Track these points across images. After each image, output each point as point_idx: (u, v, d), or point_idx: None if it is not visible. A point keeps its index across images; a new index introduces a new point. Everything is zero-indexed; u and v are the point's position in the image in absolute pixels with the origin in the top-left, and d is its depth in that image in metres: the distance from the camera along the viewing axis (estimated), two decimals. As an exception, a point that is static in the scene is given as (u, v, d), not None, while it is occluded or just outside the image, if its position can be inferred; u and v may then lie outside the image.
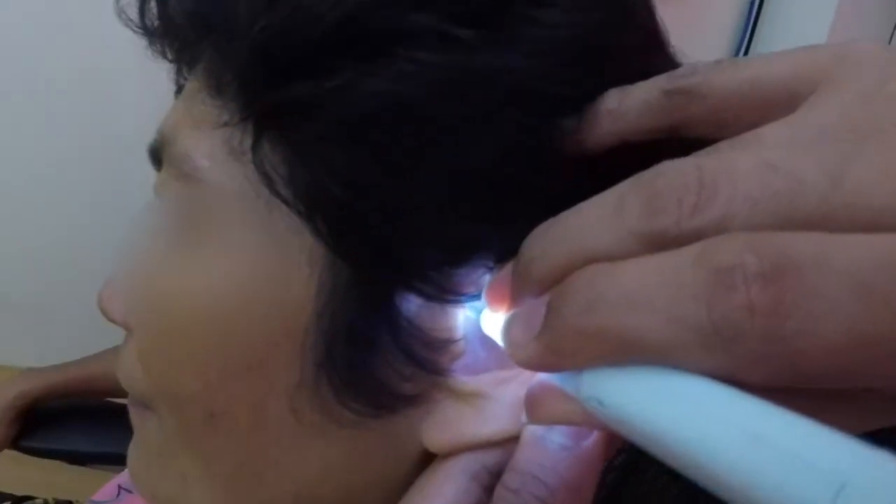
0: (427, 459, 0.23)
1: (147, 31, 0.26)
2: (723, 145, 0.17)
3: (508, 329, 0.18)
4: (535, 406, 0.18)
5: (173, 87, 0.28)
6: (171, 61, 0.27)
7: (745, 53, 1.34)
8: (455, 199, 0.21)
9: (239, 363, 0.23)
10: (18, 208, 1.21)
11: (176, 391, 0.24)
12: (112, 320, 0.28)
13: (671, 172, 0.15)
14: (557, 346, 0.16)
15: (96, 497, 0.54)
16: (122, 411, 0.90)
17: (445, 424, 0.22)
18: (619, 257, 0.15)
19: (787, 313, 0.12)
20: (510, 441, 0.21)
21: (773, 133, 0.16)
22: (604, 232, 0.16)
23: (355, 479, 0.24)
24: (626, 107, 0.20)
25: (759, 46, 1.34)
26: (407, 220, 0.21)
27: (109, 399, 0.89)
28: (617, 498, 0.27)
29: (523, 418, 0.20)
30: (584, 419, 0.17)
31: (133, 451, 0.28)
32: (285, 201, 0.22)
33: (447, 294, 0.21)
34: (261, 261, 0.22)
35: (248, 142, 0.22)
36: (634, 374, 0.15)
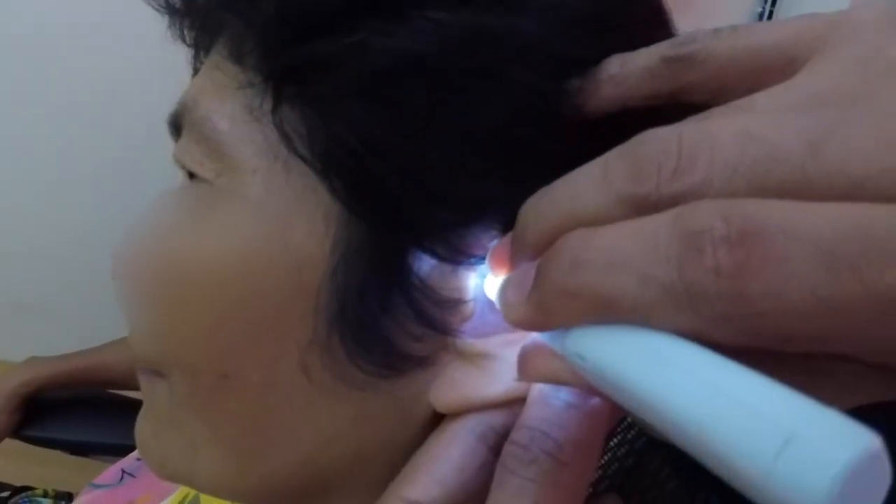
0: (435, 422, 0.23)
1: (170, 10, 0.26)
2: (714, 111, 0.17)
3: (503, 291, 0.19)
4: (526, 364, 0.19)
5: (181, 89, 0.28)
6: (189, 45, 0.27)
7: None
8: (465, 159, 0.21)
9: (254, 322, 0.23)
10: (28, 210, 1.22)
11: (188, 354, 0.24)
12: (121, 282, 0.28)
13: (654, 140, 0.15)
14: (544, 305, 0.17)
15: (98, 480, 0.54)
16: (124, 402, 0.90)
17: (453, 385, 0.23)
18: (604, 221, 0.16)
19: (751, 276, 0.13)
20: (517, 403, 0.21)
21: (764, 99, 0.17)
22: (591, 197, 0.16)
23: (364, 442, 0.24)
24: (627, 72, 0.21)
25: (780, 16, 1.34)
26: (419, 179, 0.21)
27: (112, 390, 0.89)
28: (619, 489, 0.27)
29: (515, 375, 0.20)
30: (571, 377, 0.17)
31: (142, 421, 0.29)
32: (304, 159, 0.22)
33: (458, 255, 0.22)
34: (278, 219, 0.23)
35: (268, 104, 0.23)
36: (612, 332, 0.15)
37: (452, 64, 0.21)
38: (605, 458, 0.27)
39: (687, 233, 0.14)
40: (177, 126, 0.26)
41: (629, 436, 0.28)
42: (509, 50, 0.21)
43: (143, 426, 0.28)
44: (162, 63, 0.28)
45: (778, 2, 1.35)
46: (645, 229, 0.15)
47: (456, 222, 0.22)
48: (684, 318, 0.14)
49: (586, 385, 0.17)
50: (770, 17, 1.35)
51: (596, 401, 0.20)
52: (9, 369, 0.86)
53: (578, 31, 0.22)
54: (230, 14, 0.24)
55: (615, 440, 0.28)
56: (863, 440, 0.12)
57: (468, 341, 0.23)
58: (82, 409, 0.88)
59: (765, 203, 0.13)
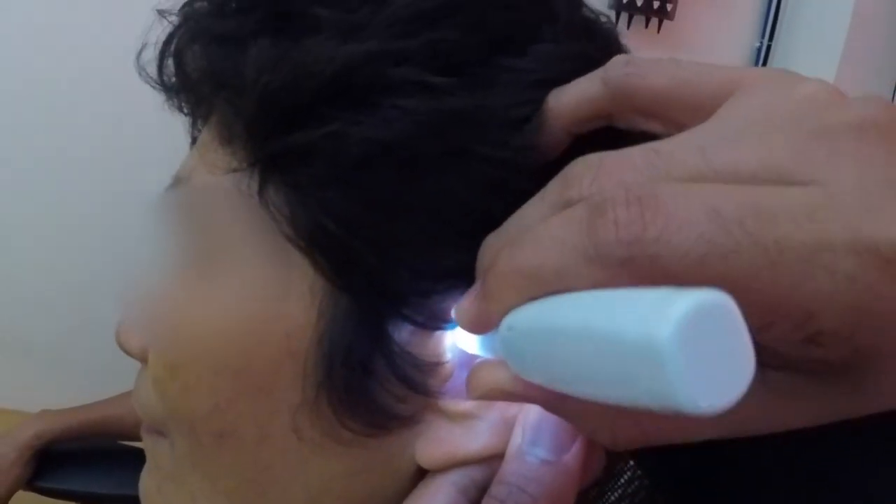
0: (420, 476, 0.25)
1: (165, 88, 0.28)
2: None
3: (458, 308, 0.21)
4: (472, 380, 0.21)
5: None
6: (186, 115, 0.29)
7: (766, 56, 1.37)
8: (438, 233, 0.23)
9: (247, 385, 0.25)
10: (40, 258, 1.23)
11: (188, 413, 0.26)
12: (128, 353, 0.30)
13: (582, 160, 0.18)
14: (486, 293, 0.19)
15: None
16: (136, 453, 0.90)
17: (437, 442, 0.24)
18: None
19: (645, 225, 0.15)
20: (496, 458, 0.23)
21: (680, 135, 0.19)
22: (530, 214, 0.19)
23: (354, 495, 0.26)
24: (565, 100, 0.23)
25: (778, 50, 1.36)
26: (395, 253, 0.23)
27: (123, 441, 0.89)
28: None
29: (494, 433, 0.23)
30: (511, 384, 0.19)
31: (145, 477, 0.30)
32: (288, 238, 0.24)
33: (435, 321, 0.24)
34: (267, 291, 0.25)
35: (255, 185, 0.25)
36: (538, 301, 0.17)
37: (420, 147, 0.22)
38: None
39: (594, 203, 0.16)
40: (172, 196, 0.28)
41: (630, 490, 0.29)
42: (472, 129, 0.23)
43: (146, 481, 0.30)
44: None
45: (776, 37, 1.38)
46: (566, 213, 0.17)
47: (431, 291, 0.23)
48: (594, 271, 0.16)
49: (523, 390, 0.19)
50: (768, 51, 1.37)
51: (569, 456, 0.22)
52: (21, 419, 0.86)
53: (537, 94, 0.23)
54: (220, 99, 0.26)
55: (617, 494, 0.29)
56: (710, 294, 0.13)
57: (449, 401, 0.24)
58: (94, 461, 0.88)
59: (662, 182, 0.16)
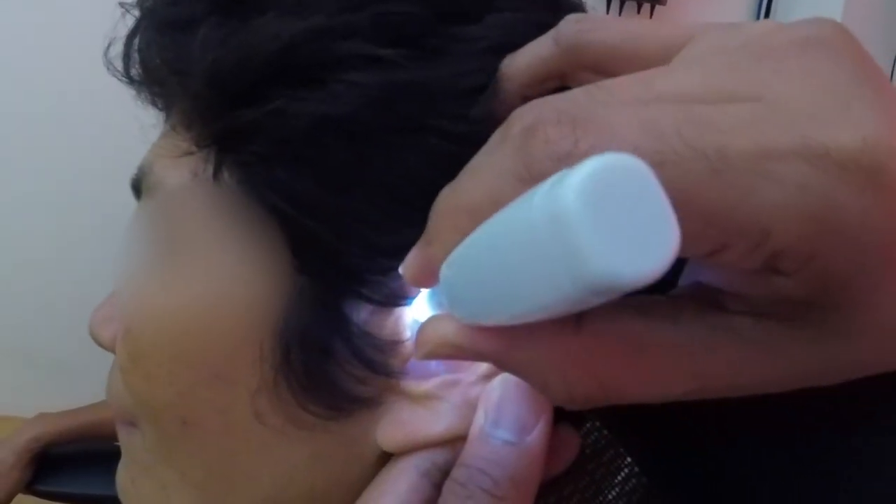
0: (385, 460, 0.25)
1: (132, 81, 0.28)
2: None
3: (405, 261, 0.20)
4: (418, 339, 0.20)
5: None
6: (160, 109, 0.29)
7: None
8: (391, 207, 0.23)
9: (206, 371, 0.25)
10: (38, 263, 1.23)
11: (152, 402, 0.26)
12: (100, 344, 0.30)
13: (525, 105, 0.17)
14: (428, 237, 0.19)
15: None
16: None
17: (398, 425, 0.24)
18: None
19: (577, 139, 0.15)
20: (459, 440, 0.23)
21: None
22: (477, 156, 0.18)
23: (318, 480, 0.25)
24: (518, 61, 0.22)
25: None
26: (350, 230, 0.23)
27: (121, 442, 0.89)
28: None
29: (456, 414, 0.22)
30: (457, 336, 0.18)
31: (121, 469, 0.30)
32: (243, 221, 0.24)
33: (393, 299, 0.23)
34: (223, 276, 0.24)
35: (210, 168, 0.24)
36: (471, 235, 0.17)
37: (370, 121, 0.22)
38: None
39: (527, 125, 0.16)
40: (137, 189, 0.28)
41: (627, 487, 0.29)
42: (423, 101, 0.22)
43: (121, 474, 0.30)
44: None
45: (772, 13, 1.36)
46: (502, 145, 0.17)
47: (389, 268, 0.23)
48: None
49: (470, 341, 0.18)
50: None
51: (531, 437, 0.21)
52: (20, 425, 0.87)
53: (491, 62, 0.23)
54: (175, 84, 0.26)
55: (614, 492, 0.28)
56: (614, 155, 0.12)
57: (411, 383, 0.24)
58: (93, 463, 0.89)
59: (598, 103, 0.16)
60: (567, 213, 0.12)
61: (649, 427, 0.28)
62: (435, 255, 0.18)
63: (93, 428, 0.87)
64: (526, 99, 0.22)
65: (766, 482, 0.23)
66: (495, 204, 0.16)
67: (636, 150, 0.14)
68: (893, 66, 1.32)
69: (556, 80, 0.22)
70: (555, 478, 0.25)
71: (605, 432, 0.29)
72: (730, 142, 0.14)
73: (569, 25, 0.21)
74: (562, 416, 0.24)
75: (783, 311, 0.16)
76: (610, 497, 0.28)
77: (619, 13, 1.26)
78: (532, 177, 0.15)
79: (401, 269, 0.20)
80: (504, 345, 0.18)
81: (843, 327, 0.16)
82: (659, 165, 0.14)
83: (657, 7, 1.27)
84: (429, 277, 0.19)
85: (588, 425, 0.29)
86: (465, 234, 0.17)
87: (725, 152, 0.14)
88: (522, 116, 0.17)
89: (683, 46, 0.19)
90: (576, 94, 0.17)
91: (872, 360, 0.17)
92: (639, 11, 1.27)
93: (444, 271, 0.18)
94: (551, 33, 0.22)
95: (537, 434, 0.21)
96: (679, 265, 0.19)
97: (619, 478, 0.29)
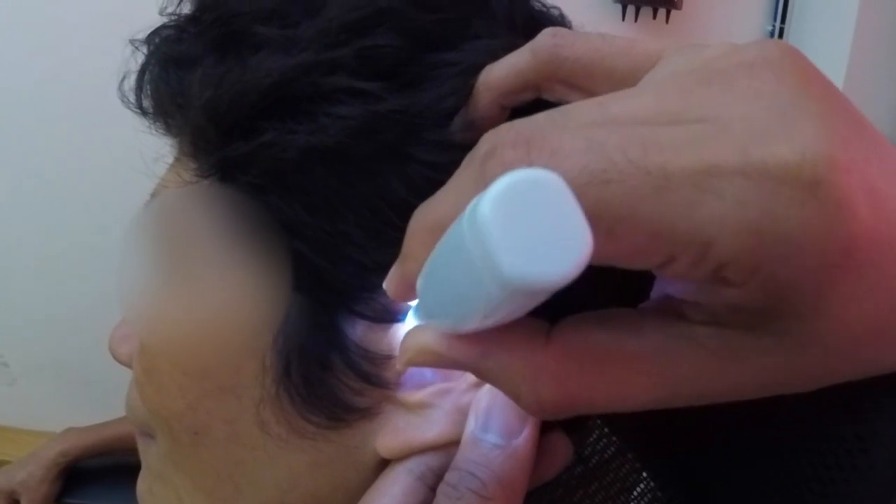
0: (383, 466, 0.26)
1: (144, 113, 0.29)
2: None
3: (386, 278, 0.21)
4: (401, 349, 0.21)
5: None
6: (174, 136, 0.30)
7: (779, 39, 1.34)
8: (376, 229, 0.24)
9: (212, 383, 0.26)
10: (68, 277, 1.25)
11: (165, 414, 0.28)
12: (118, 360, 0.32)
13: (493, 129, 0.18)
14: (402, 255, 0.19)
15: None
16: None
17: (395, 432, 0.25)
18: None
19: (530, 161, 0.15)
20: (452, 445, 0.24)
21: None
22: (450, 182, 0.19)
23: (320, 486, 0.27)
24: (495, 72, 0.23)
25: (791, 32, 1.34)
26: (340, 252, 0.24)
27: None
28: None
29: (449, 420, 0.24)
30: (435, 344, 0.19)
31: (140, 479, 0.32)
32: (241, 244, 0.25)
33: (385, 314, 0.24)
34: (228, 295, 0.26)
35: (211, 196, 0.26)
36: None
37: (353, 150, 0.23)
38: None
39: (488, 148, 0.17)
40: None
41: (644, 502, 0.29)
42: (403, 128, 0.23)
43: (140, 484, 0.32)
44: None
45: (788, 18, 1.35)
46: (467, 167, 0.18)
47: (378, 286, 0.24)
48: None
49: (447, 349, 0.19)
50: (781, 34, 1.35)
51: (519, 441, 0.22)
52: (49, 439, 0.88)
53: (467, 81, 0.24)
54: (179, 118, 0.27)
55: (579, 469, 0.29)
56: (529, 170, 0.13)
57: (406, 393, 0.25)
58: (120, 476, 0.90)
59: (555, 127, 0.17)
60: (483, 222, 0.13)
61: (657, 433, 0.28)
62: (409, 270, 0.19)
63: (120, 441, 0.88)
64: (503, 108, 0.23)
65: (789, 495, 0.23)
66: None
67: (583, 169, 0.15)
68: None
69: (533, 92, 0.23)
70: (555, 483, 0.26)
71: (615, 438, 0.29)
72: (672, 159, 0.15)
73: (545, 39, 0.22)
74: (561, 424, 0.26)
75: (742, 321, 0.17)
76: None
77: (636, 19, 1.26)
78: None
79: (384, 285, 0.22)
80: (477, 354, 0.19)
81: (800, 336, 0.16)
82: (604, 183, 0.15)
83: (672, 12, 1.26)
84: (407, 291, 0.20)
85: (596, 432, 0.29)
86: (431, 249, 0.18)
87: (668, 169, 0.15)
88: (487, 140, 0.18)
89: (652, 66, 0.19)
90: (537, 118, 0.17)
91: (838, 367, 0.18)
92: (654, 17, 1.26)
93: (418, 284, 0.19)
94: (529, 45, 0.22)
95: (524, 437, 0.23)
96: (649, 279, 0.20)
97: (636, 493, 0.29)
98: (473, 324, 0.17)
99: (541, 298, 0.14)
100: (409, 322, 0.24)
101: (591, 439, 0.29)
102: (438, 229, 0.17)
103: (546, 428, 0.25)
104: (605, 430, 0.29)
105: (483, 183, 0.16)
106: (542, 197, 0.13)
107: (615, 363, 0.18)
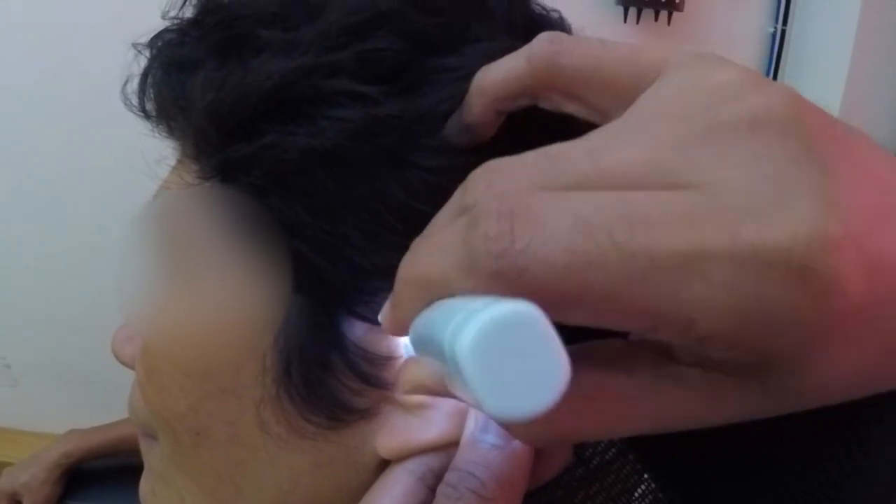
0: (383, 467, 0.26)
1: (147, 116, 0.30)
2: None
3: (381, 312, 0.22)
4: (401, 378, 0.22)
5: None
6: (176, 139, 0.30)
7: (781, 41, 1.35)
8: (374, 232, 0.24)
9: (213, 384, 0.26)
10: (69, 280, 1.25)
11: (167, 415, 0.28)
12: (122, 361, 0.32)
13: (482, 167, 0.18)
14: (393, 300, 0.19)
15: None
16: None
17: (394, 433, 0.25)
18: None
19: (514, 238, 0.15)
20: (452, 446, 0.24)
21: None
22: (438, 217, 0.20)
23: (321, 487, 0.27)
24: (490, 75, 0.23)
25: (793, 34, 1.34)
26: (339, 254, 0.24)
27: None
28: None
29: (449, 422, 0.24)
30: (430, 381, 0.20)
31: (143, 480, 0.32)
32: (242, 245, 0.25)
33: None
34: (228, 296, 0.26)
35: (214, 197, 0.26)
36: (429, 307, 0.18)
37: (352, 153, 0.23)
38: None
39: (472, 216, 0.16)
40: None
41: (592, 465, 0.29)
42: (401, 132, 0.23)
43: (143, 485, 0.32)
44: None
45: (790, 20, 1.35)
46: (454, 223, 0.17)
47: (379, 289, 0.24)
48: (473, 281, 0.16)
49: (441, 388, 0.19)
50: (783, 35, 1.35)
51: (517, 442, 0.22)
52: (52, 441, 0.88)
53: (466, 86, 0.24)
54: (181, 121, 0.28)
55: (580, 470, 0.29)
56: (510, 305, 0.14)
57: (405, 393, 0.25)
58: (123, 478, 0.90)
59: (539, 192, 0.16)
60: (464, 363, 0.13)
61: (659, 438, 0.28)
62: (399, 318, 0.19)
63: (123, 443, 0.89)
64: (499, 113, 0.23)
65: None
66: (444, 284, 0.17)
67: (566, 250, 0.15)
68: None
69: (529, 99, 0.23)
70: (556, 484, 0.26)
71: (616, 440, 0.29)
72: (660, 241, 0.15)
73: (541, 45, 0.21)
74: None
75: (728, 369, 0.17)
76: None
77: (637, 21, 1.26)
78: (473, 269, 0.16)
79: (379, 318, 0.22)
80: None
81: (786, 388, 0.17)
82: (588, 266, 0.15)
83: (674, 14, 1.26)
84: (401, 331, 0.20)
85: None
86: (422, 303, 0.18)
87: (654, 252, 0.15)
88: (472, 190, 0.18)
89: (654, 79, 0.19)
90: (528, 169, 0.17)
91: (825, 402, 0.18)
92: (656, 19, 1.27)
93: (412, 329, 0.19)
94: (524, 50, 0.22)
95: None
96: None
97: (637, 494, 0.29)
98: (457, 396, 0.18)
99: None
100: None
101: (600, 448, 0.29)
102: (428, 288, 0.17)
103: None
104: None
105: (471, 258, 0.16)
106: (521, 332, 0.14)
107: (604, 400, 0.18)
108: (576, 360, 0.18)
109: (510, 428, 0.20)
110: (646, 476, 0.29)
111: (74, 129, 1.13)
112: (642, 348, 0.18)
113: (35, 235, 1.24)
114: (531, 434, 0.19)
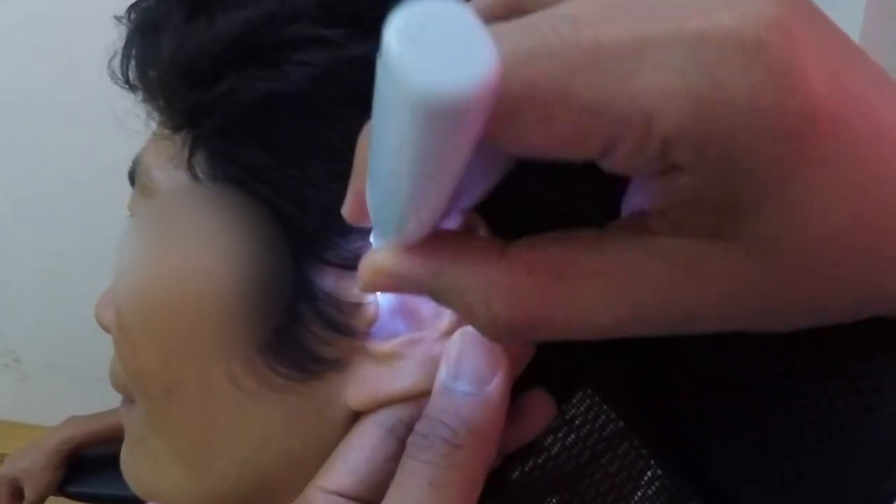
0: (355, 420, 0.25)
1: (132, 87, 0.30)
2: None
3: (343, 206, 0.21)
4: (359, 273, 0.20)
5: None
6: (153, 101, 0.30)
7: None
8: (343, 172, 0.23)
9: (183, 338, 0.26)
10: (64, 273, 1.27)
11: (140, 372, 0.28)
12: (102, 326, 0.32)
13: None
14: (352, 172, 0.20)
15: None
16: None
17: (363, 383, 0.25)
18: None
19: None
20: (423, 396, 0.23)
21: None
22: None
23: (293, 443, 0.27)
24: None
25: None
26: (302, 196, 0.24)
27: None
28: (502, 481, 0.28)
29: (420, 371, 0.23)
30: (389, 261, 0.19)
31: (123, 447, 0.32)
32: (211, 193, 0.26)
33: (354, 261, 0.24)
34: (194, 248, 0.26)
35: (185, 151, 0.26)
36: None
37: (317, 95, 0.24)
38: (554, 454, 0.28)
39: None
40: (132, 179, 0.30)
41: (651, 490, 0.29)
42: (362, 74, 0.23)
43: (123, 451, 0.32)
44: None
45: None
46: None
47: (347, 231, 0.24)
48: None
49: (400, 264, 0.18)
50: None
51: (490, 389, 0.22)
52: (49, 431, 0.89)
53: None
54: (154, 80, 0.28)
55: (638, 494, 0.28)
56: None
57: (375, 343, 0.25)
58: (123, 464, 0.90)
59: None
60: (388, 49, 0.13)
61: (658, 413, 0.29)
62: (357, 184, 0.19)
63: (123, 430, 0.88)
64: None
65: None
66: None
67: (515, 48, 0.14)
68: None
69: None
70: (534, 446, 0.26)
71: (597, 398, 0.28)
72: (605, 31, 0.14)
73: None
74: (542, 383, 0.25)
75: (702, 226, 0.16)
76: (635, 499, 0.28)
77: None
78: None
79: (342, 211, 0.21)
80: (430, 272, 0.18)
81: (760, 239, 0.16)
82: (534, 59, 0.14)
83: None
84: (361, 209, 0.20)
85: (579, 394, 0.28)
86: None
87: (600, 41, 0.14)
88: None
89: None
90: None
91: (809, 284, 0.17)
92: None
93: (367, 196, 0.19)
94: None
95: (496, 385, 0.22)
96: (617, 206, 0.20)
97: (644, 480, 0.29)
98: (412, 223, 0.17)
99: (458, 122, 0.14)
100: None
101: (591, 416, 0.28)
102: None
103: (526, 385, 0.25)
104: (597, 398, 0.28)
105: None
106: (442, 19, 0.13)
107: (573, 279, 0.17)
108: (542, 241, 0.18)
109: (476, 322, 0.18)
110: (652, 462, 0.29)
111: (89, 126, 1.15)
112: (614, 229, 0.18)
113: (46, 232, 1.26)
114: (499, 325, 0.18)
